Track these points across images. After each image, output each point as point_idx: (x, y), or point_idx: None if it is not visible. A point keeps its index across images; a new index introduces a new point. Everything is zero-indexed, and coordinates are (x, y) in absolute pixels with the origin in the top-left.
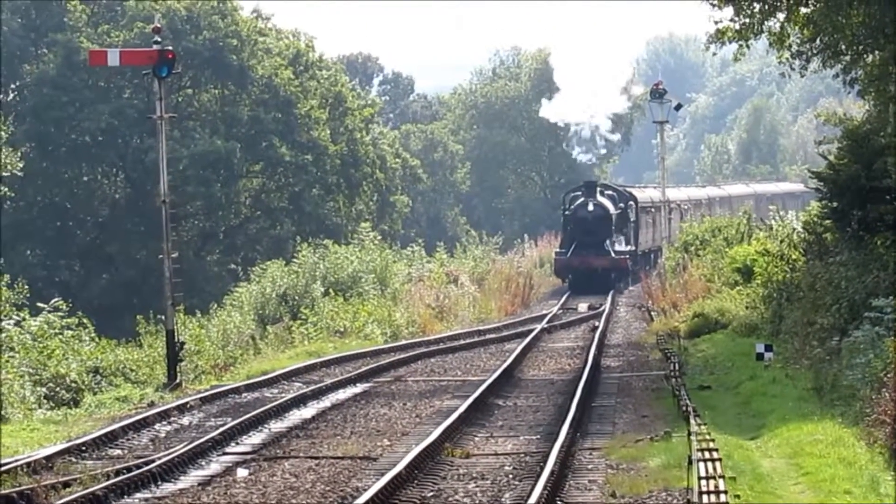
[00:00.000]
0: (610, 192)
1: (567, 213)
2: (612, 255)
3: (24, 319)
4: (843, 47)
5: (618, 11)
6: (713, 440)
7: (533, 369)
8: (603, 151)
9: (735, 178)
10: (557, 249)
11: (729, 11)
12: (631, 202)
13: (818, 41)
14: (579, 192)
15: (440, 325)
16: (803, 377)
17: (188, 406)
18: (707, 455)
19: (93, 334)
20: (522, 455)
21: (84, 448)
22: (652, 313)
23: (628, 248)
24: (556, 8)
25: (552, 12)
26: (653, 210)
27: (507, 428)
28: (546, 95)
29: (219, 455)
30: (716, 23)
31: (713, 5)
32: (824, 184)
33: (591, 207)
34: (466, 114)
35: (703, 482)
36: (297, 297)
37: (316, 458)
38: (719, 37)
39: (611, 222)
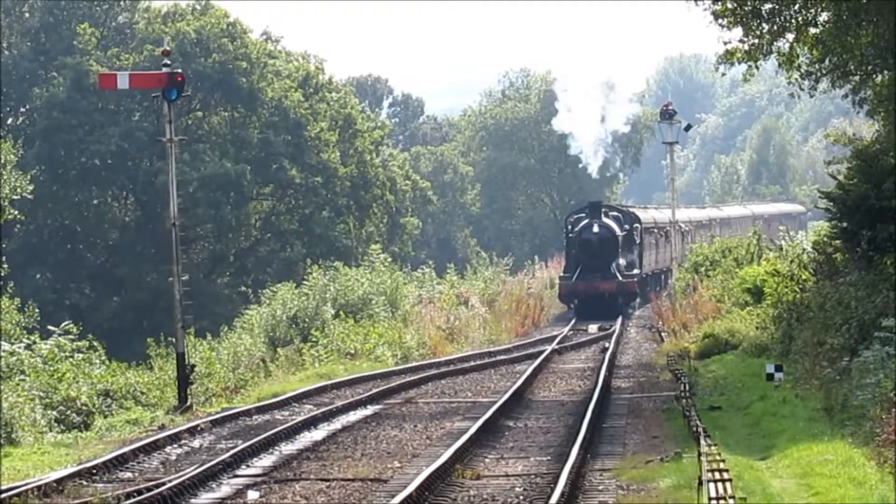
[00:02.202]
0: (615, 213)
1: (571, 235)
2: (620, 278)
3: (34, 342)
4: (852, 67)
5: (628, 32)
6: (723, 461)
7: (543, 390)
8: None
9: (743, 199)
10: (561, 274)
11: (738, 32)
12: (636, 223)
13: (827, 61)
14: (583, 214)
15: (451, 347)
16: (813, 397)
17: (199, 429)
18: (717, 476)
19: (103, 357)
20: (533, 476)
21: (95, 471)
22: (662, 334)
23: (635, 270)
24: (566, 30)
25: (563, 35)
26: (655, 231)
27: (518, 449)
28: (553, 116)
29: (229, 478)
30: (725, 43)
31: (722, 26)
32: (834, 204)
33: (596, 229)
34: (476, 135)
35: (714, 503)
36: (307, 320)
37: (327, 480)
38: (728, 57)
39: (617, 244)
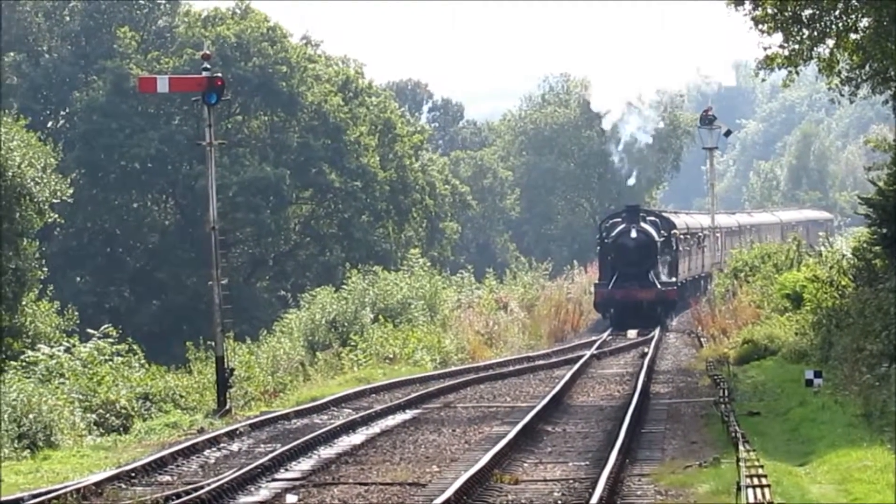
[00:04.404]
0: (652, 218)
1: (607, 241)
2: (659, 286)
3: (74, 346)
4: (893, 73)
5: (666, 37)
6: (762, 466)
7: (582, 395)
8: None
9: (771, 206)
10: (596, 282)
11: (778, 38)
12: (673, 229)
13: (867, 67)
14: (619, 219)
15: (489, 352)
16: (853, 403)
17: (238, 432)
18: (756, 481)
19: (142, 360)
20: (571, 481)
21: (134, 474)
22: (701, 340)
23: (673, 278)
24: (604, 35)
25: (601, 41)
26: (689, 237)
27: (556, 454)
28: (595, 122)
29: (268, 481)
30: (765, 49)
31: (763, 32)
32: (874, 210)
33: (633, 234)
34: (516, 140)
35: None
36: (346, 324)
37: (365, 484)
38: (769, 63)
39: (656, 250)
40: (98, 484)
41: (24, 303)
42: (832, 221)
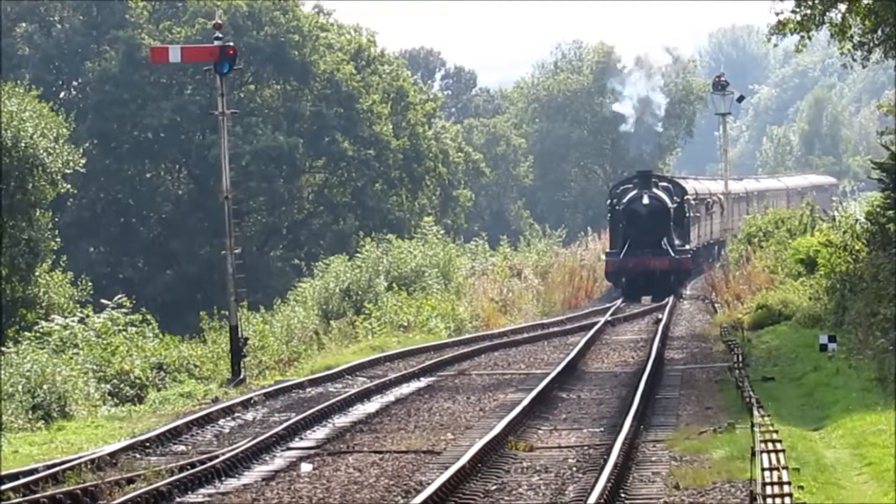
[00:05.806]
0: (665, 184)
1: (618, 207)
2: (672, 254)
3: (88, 316)
4: None
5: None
6: (777, 431)
7: (596, 362)
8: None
9: (791, 170)
10: (607, 250)
11: (790, 3)
12: (686, 195)
13: (880, 32)
14: (631, 185)
15: (504, 319)
16: (867, 368)
17: (252, 401)
18: (770, 446)
19: (156, 330)
20: (586, 448)
21: (148, 444)
22: (715, 305)
23: (686, 245)
24: (619, 5)
25: (614, 5)
26: (698, 204)
27: (571, 421)
28: (609, 91)
29: (283, 450)
30: (777, 14)
31: None
32: (887, 174)
33: (646, 200)
34: (529, 107)
35: (767, 473)
36: (360, 292)
37: (380, 452)
38: (781, 28)
39: (669, 217)
40: (113, 454)
41: (37, 273)
42: (837, 187)
